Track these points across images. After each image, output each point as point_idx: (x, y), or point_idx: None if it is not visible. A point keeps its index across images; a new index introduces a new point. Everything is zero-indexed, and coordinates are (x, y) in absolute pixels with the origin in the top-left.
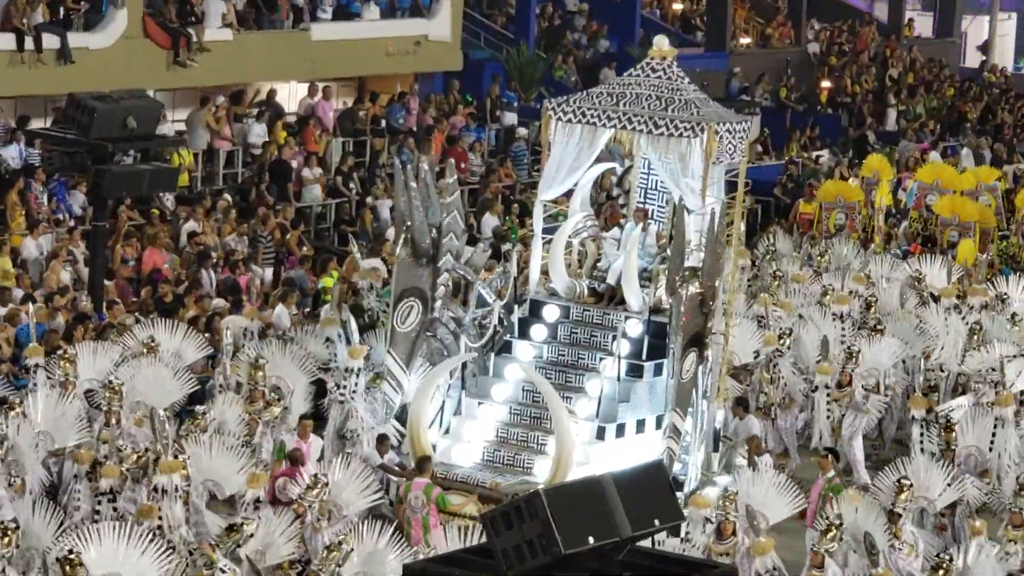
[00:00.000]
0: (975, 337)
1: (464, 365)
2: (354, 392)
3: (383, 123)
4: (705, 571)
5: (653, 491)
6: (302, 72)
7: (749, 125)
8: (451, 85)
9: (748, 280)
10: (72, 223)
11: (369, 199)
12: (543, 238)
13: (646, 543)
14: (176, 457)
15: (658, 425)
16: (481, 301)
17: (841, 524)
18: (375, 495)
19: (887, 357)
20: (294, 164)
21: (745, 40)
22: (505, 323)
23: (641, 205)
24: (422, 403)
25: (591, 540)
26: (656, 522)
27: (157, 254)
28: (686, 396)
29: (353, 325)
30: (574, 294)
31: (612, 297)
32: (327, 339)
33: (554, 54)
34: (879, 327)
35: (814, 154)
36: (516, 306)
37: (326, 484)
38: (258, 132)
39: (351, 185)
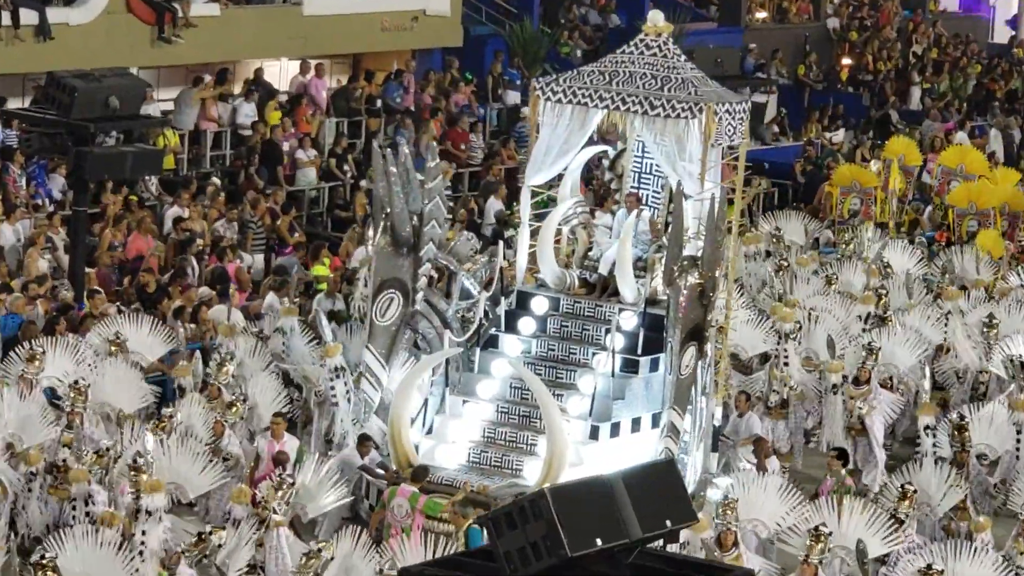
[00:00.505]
0: (993, 332)
1: (447, 361)
2: (347, 393)
3: (379, 102)
4: (720, 574)
5: (664, 490)
6: (293, 49)
7: (749, 105)
8: (451, 62)
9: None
10: (51, 208)
11: (364, 182)
12: (531, 225)
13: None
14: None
15: (655, 423)
16: (465, 293)
17: (830, 533)
18: (341, 498)
19: (908, 354)
20: (285, 146)
21: (761, 15)
22: (491, 316)
23: (634, 190)
24: (403, 401)
25: (599, 542)
26: (668, 523)
27: (141, 240)
28: (685, 393)
29: (324, 321)
30: (564, 285)
31: (605, 288)
32: (277, 329)
33: (559, 29)
34: (887, 316)
35: (827, 135)
36: (503, 298)
37: (292, 484)
38: (247, 112)
39: (345, 168)
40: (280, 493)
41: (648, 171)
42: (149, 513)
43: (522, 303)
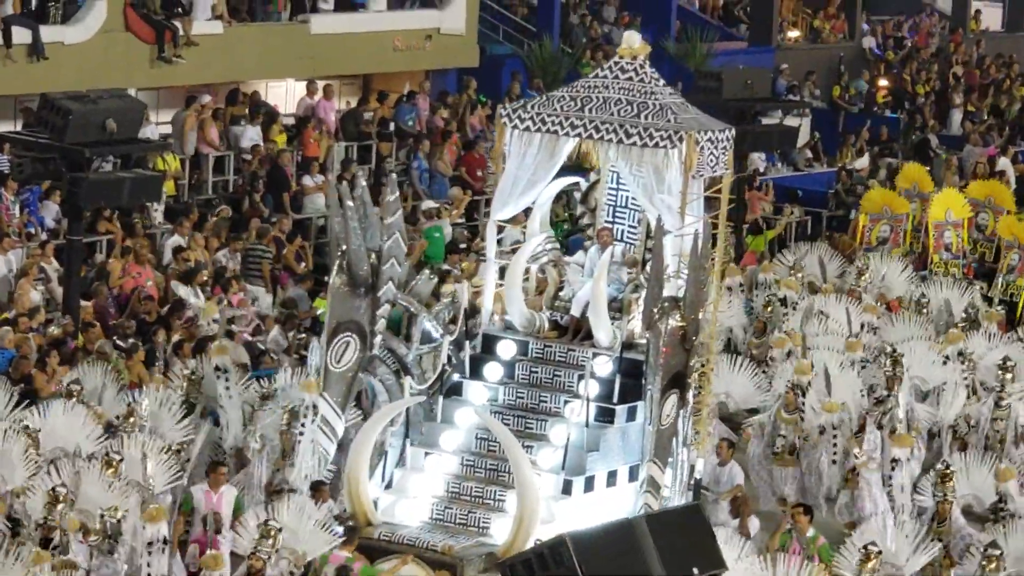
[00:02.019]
0: (1008, 376)
1: (408, 410)
2: (308, 432)
3: (391, 125)
4: None
5: (691, 536)
6: (301, 69)
7: (732, 134)
8: (466, 83)
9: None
10: (45, 237)
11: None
12: (497, 263)
13: None
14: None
15: (632, 477)
16: (426, 336)
17: (879, 552)
18: (336, 537)
19: (903, 393)
20: (292, 171)
21: (793, 34)
22: (455, 361)
23: (608, 225)
24: (361, 454)
25: None
26: (695, 571)
27: (140, 271)
28: (666, 445)
29: (315, 355)
30: (533, 327)
31: (577, 331)
32: (216, 368)
33: (581, 49)
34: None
35: (854, 164)
36: (467, 342)
37: (279, 530)
38: (251, 136)
39: (356, 194)
40: (270, 543)
41: (623, 204)
42: (151, 544)
43: (488, 347)
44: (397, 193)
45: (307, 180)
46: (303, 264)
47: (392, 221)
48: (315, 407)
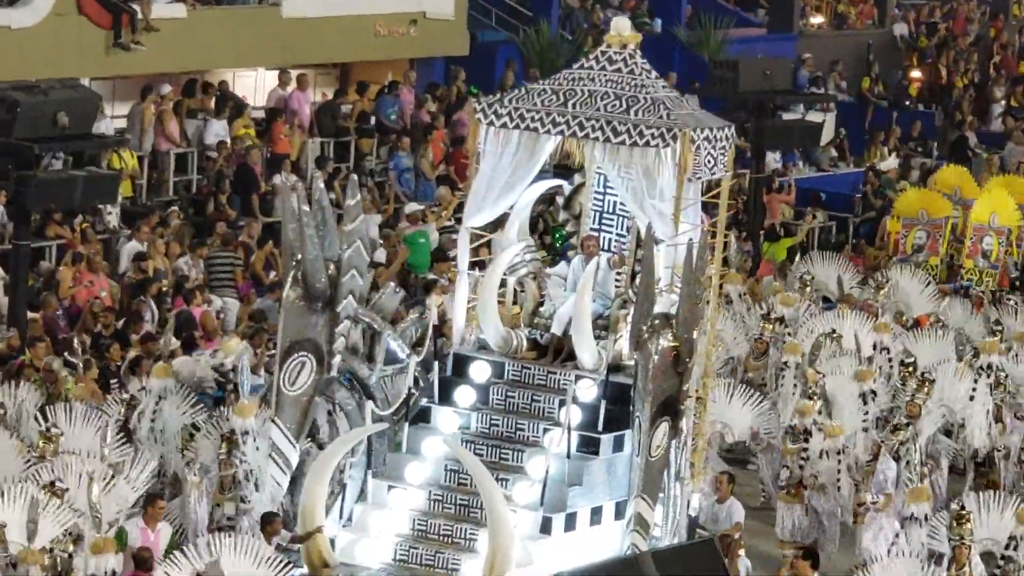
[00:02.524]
0: None
1: (370, 439)
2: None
3: (371, 120)
4: None
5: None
6: (271, 57)
7: (732, 132)
8: (455, 73)
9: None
10: None
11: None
12: (470, 275)
13: None
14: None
15: (619, 514)
16: (391, 356)
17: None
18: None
19: (928, 422)
20: (261, 170)
21: (817, 20)
22: (422, 384)
23: (594, 233)
24: (316, 487)
25: None
26: None
27: (93, 280)
28: (656, 479)
29: (247, 371)
30: (510, 347)
31: (559, 351)
32: (141, 389)
33: (582, 35)
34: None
35: (880, 164)
36: (436, 363)
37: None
38: (217, 131)
39: (332, 196)
40: None
41: (611, 210)
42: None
43: (460, 369)
44: (359, 196)
45: (278, 179)
46: (273, 273)
47: (353, 228)
48: (249, 433)
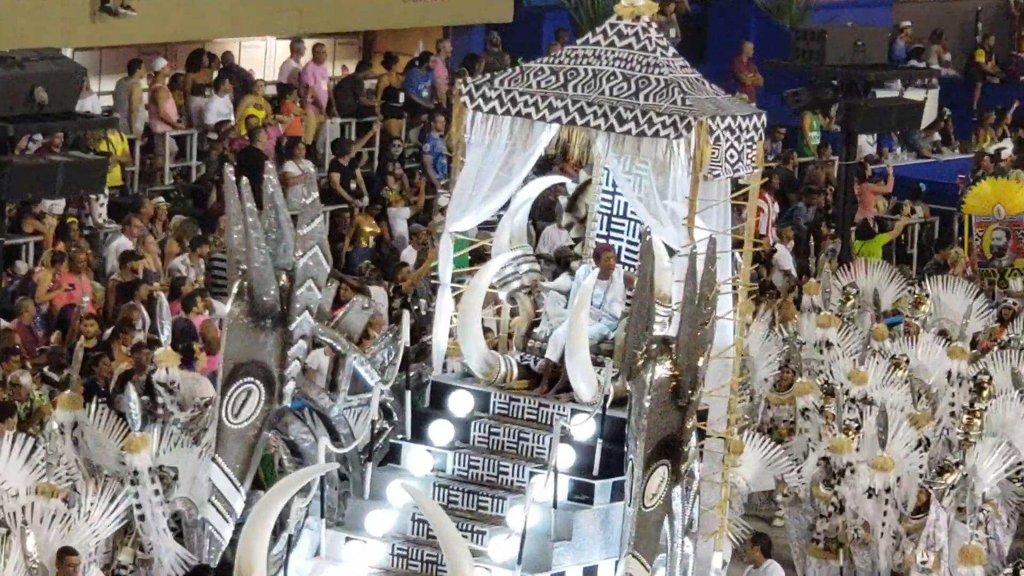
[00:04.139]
0: None
1: (322, 480)
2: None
3: (400, 97)
4: None
5: None
6: (283, 25)
7: (762, 121)
8: (495, 42)
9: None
10: None
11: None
12: (453, 288)
13: None
14: None
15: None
16: (358, 384)
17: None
18: None
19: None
20: (272, 155)
21: None
22: (394, 417)
23: (603, 239)
24: (255, 538)
25: None
26: None
27: (75, 282)
28: (652, 532)
29: (134, 400)
30: (496, 375)
31: (554, 380)
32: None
33: None
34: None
35: (993, 147)
36: (408, 392)
37: None
38: (220, 109)
39: (353, 185)
40: None
41: (622, 213)
42: None
43: (438, 399)
44: (316, 194)
45: (291, 167)
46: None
47: (309, 231)
48: (138, 473)
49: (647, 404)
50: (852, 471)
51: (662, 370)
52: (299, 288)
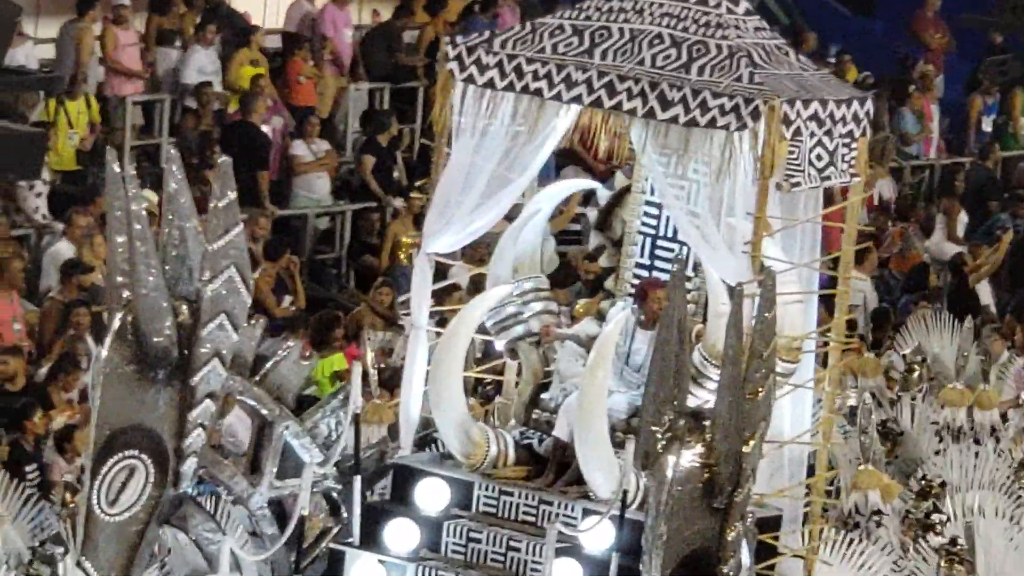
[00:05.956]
0: None
1: None
2: None
3: None
4: None
5: None
6: None
7: (868, 109)
8: None
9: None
10: None
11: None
12: (432, 332)
13: None
14: None
15: None
16: (294, 463)
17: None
18: None
19: None
20: (271, 131)
21: None
22: (341, 513)
23: (646, 271)
24: None
25: None
26: None
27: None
28: None
29: None
30: (484, 457)
31: (564, 467)
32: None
33: None
34: None
35: None
36: (358, 478)
37: None
38: (202, 66)
39: (395, 174)
40: None
41: (670, 234)
42: None
43: (401, 490)
44: (234, 192)
45: (300, 148)
46: (289, 299)
47: (221, 246)
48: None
49: (666, 504)
50: None
51: (690, 456)
52: (206, 326)
